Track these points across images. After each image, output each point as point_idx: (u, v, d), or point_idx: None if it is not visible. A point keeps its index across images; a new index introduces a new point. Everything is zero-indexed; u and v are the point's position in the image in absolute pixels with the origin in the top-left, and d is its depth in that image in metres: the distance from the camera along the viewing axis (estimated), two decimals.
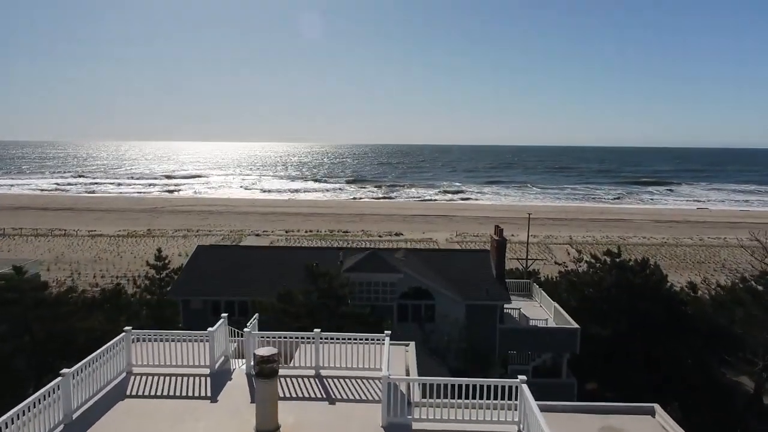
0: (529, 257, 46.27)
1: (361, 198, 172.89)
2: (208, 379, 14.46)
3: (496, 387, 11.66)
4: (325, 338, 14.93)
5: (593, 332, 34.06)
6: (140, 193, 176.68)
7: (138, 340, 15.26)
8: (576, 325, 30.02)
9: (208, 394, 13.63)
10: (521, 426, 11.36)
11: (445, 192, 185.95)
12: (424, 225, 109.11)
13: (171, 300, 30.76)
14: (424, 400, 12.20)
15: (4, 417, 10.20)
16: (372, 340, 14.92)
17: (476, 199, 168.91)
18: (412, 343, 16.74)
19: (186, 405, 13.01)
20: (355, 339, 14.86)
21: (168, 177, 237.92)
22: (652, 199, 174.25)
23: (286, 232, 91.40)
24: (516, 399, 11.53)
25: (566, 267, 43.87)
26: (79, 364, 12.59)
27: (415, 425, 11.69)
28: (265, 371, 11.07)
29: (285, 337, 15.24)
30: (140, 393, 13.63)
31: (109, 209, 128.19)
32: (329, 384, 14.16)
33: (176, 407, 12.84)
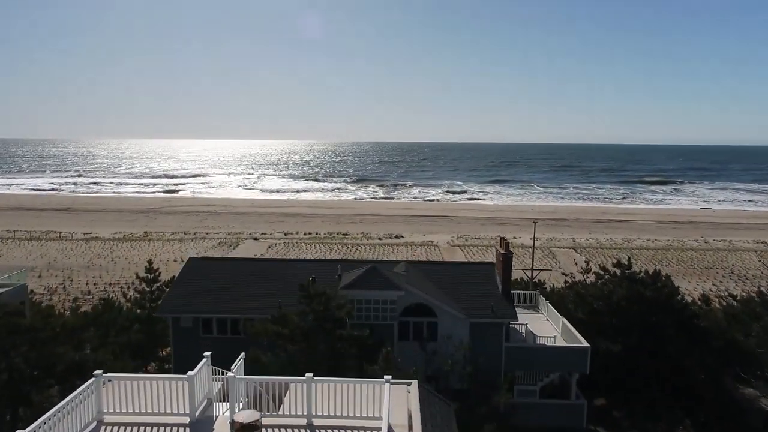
0: (534, 266, 44.72)
1: (363, 198, 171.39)
2: (188, 429, 12.97)
3: None
4: (319, 381, 13.43)
5: (603, 348, 32.64)
6: (139, 193, 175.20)
7: (110, 381, 13.76)
8: (586, 344, 28.53)
9: None
10: None
11: (448, 192, 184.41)
12: (424, 226, 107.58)
13: (159, 318, 29.28)
14: None
15: None
16: (370, 383, 13.43)
17: (479, 199, 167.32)
18: (415, 383, 15.25)
19: None
20: (352, 381, 13.38)
21: (167, 176, 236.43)
22: (655, 199, 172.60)
23: (285, 234, 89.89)
24: None
25: (573, 278, 42.33)
26: (37, 422, 11.11)
27: None
28: None
29: (274, 381, 13.74)
30: None
31: (106, 210, 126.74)
32: None
33: None
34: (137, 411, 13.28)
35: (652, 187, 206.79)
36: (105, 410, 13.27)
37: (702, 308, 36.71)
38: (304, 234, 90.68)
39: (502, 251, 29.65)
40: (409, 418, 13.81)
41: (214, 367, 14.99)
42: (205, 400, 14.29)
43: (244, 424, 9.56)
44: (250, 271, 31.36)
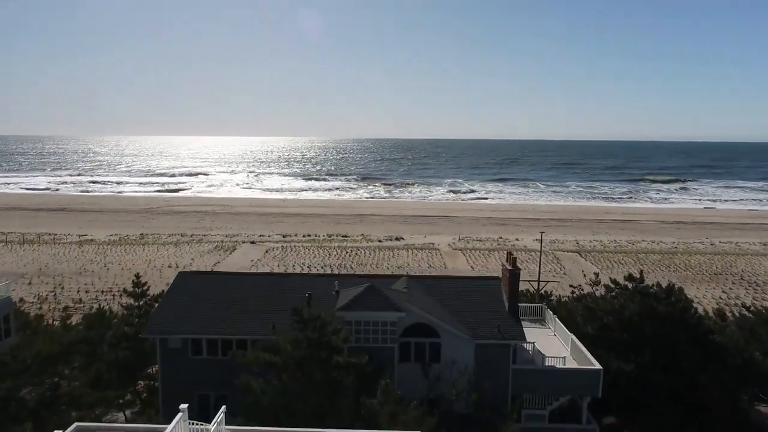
0: (539, 272, 43.06)
1: (364, 197, 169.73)
2: None
3: None
4: None
5: (614, 366, 31.06)
6: (137, 192, 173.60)
7: None
8: (598, 366, 26.89)
9: None
10: None
11: (450, 191, 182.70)
12: (425, 227, 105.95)
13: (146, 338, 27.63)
14: None
15: None
16: None
17: (482, 199, 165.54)
18: None
19: None
20: None
21: (167, 175, 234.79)
22: (658, 198, 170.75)
23: (284, 236, 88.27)
24: None
25: (581, 290, 40.75)
26: None
27: None
28: None
29: None
30: None
31: (103, 210, 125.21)
32: None
33: None
34: None
35: (656, 186, 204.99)
36: None
37: (717, 323, 35.09)
38: (303, 236, 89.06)
39: (509, 267, 27.99)
40: None
41: (191, 423, 13.37)
42: None
43: None
44: (242, 287, 29.71)
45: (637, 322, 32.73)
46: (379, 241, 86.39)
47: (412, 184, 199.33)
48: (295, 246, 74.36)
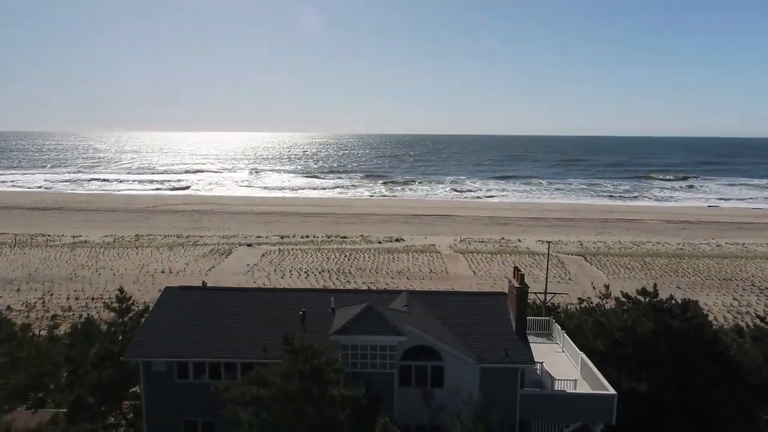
0: (546, 285, 41.27)
1: (366, 196, 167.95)
2: None
3: None
4: None
5: (626, 386, 29.35)
6: (135, 191, 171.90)
7: None
8: (612, 391, 25.11)
9: None
10: None
11: (453, 190, 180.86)
12: (426, 227, 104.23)
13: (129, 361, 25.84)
14: None
15: None
16: None
17: (490, 197, 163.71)
18: None
19: None
20: None
21: (166, 172, 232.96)
22: (662, 196, 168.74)
23: (281, 238, 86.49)
24: None
25: (590, 302, 38.93)
26: None
27: None
28: None
29: None
30: None
31: (99, 209, 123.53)
32: None
33: None
34: None
35: (660, 183, 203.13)
36: None
37: (735, 340, 33.31)
38: (301, 237, 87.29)
39: (517, 284, 26.15)
40: None
41: None
42: None
43: None
44: (233, 304, 27.91)
45: (650, 338, 31.02)
46: (379, 242, 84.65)
47: (414, 182, 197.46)
48: (292, 249, 72.53)
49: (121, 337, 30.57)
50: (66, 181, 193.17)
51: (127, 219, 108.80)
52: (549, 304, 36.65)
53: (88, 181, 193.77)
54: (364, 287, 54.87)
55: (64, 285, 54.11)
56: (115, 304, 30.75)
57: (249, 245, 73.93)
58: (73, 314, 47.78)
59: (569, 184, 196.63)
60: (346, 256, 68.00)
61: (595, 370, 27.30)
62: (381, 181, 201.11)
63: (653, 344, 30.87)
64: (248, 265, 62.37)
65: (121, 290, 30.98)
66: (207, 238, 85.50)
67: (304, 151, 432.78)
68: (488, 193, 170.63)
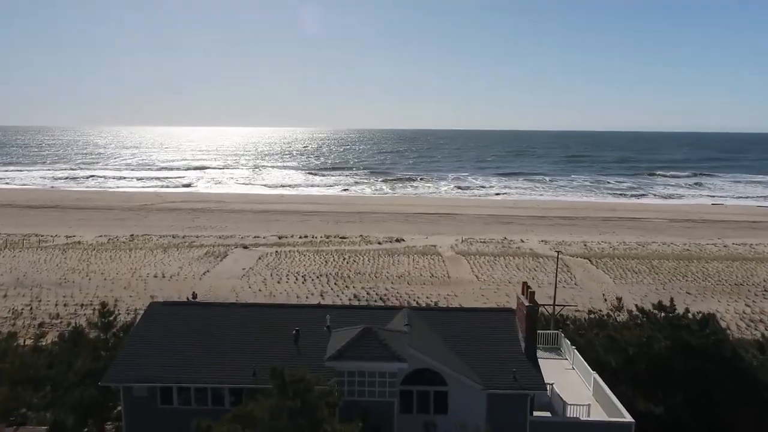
0: (554, 297, 39.38)
1: (367, 193, 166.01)
2: None
3: None
4: None
5: (642, 408, 27.59)
6: (133, 188, 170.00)
7: None
8: (629, 419, 23.32)
9: None
10: None
11: (457, 188, 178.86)
12: (427, 226, 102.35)
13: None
14: None
15: None
16: None
17: (486, 195, 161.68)
18: None
19: None
20: None
21: (165, 168, 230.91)
22: (666, 193, 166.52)
23: (279, 238, 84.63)
24: None
25: (600, 313, 37.02)
26: None
27: None
28: None
29: None
30: None
31: (96, 207, 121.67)
32: None
33: None
34: None
35: (663, 180, 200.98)
36: None
37: (756, 356, 31.45)
38: (300, 237, 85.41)
39: (526, 303, 24.26)
40: None
41: None
42: None
43: None
44: (221, 322, 26.08)
45: (666, 356, 29.23)
46: (379, 243, 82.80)
47: (415, 179, 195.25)
48: (289, 251, 70.63)
49: (104, 354, 28.85)
50: (64, 178, 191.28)
51: (123, 218, 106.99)
52: (558, 315, 34.81)
53: (87, 177, 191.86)
54: (364, 293, 53.06)
55: (52, 291, 52.30)
56: (98, 319, 28.96)
57: (245, 247, 72.06)
58: (61, 322, 46.03)
59: (572, 180, 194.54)
60: (345, 258, 66.09)
61: (610, 393, 25.50)
62: (382, 178, 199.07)
63: (669, 361, 29.12)
64: (244, 269, 60.50)
65: (103, 305, 29.16)
66: (203, 238, 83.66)
67: (305, 147, 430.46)
68: (490, 191, 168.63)
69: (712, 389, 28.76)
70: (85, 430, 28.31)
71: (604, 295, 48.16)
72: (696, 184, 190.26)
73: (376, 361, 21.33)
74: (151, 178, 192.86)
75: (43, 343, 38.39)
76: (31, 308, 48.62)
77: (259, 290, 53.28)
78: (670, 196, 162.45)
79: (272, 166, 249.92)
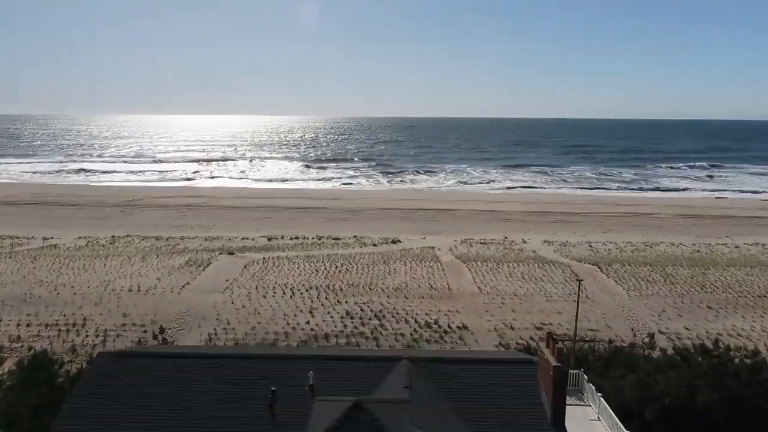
0: (575, 330, 34.89)
1: (362, 187, 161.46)
2: None
3: None
4: None
5: None
6: (120, 181, 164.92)
7: None
8: None
9: None
10: None
11: (452, 180, 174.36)
12: (424, 224, 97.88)
13: None
14: None
15: None
16: None
17: (484, 189, 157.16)
18: None
19: None
20: None
21: (155, 161, 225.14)
22: (670, 186, 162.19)
23: (269, 240, 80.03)
24: None
25: (622, 344, 32.57)
26: None
27: None
28: None
29: None
30: None
31: (80, 203, 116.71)
32: None
33: None
34: None
35: (663, 172, 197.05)
36: None
37: None
38: (290, 239, 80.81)
39: (553, 362, 19.64)
40: None
41: None
42: None
43: None
44: (184, 380, 21.44)
45: (711, 407, 24.92)
46: (374, 245, 78.33)
47: (413, 171, 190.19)
48: (278, 258, 65.82)
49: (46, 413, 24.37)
50: (51, 172, 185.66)
51: (107, 216, 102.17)
52: (578, 348, 30.38)
53: (77, 171, 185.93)
54: (357, 309, 48.63)
55: (16, 308, 47.60)
56: (32, 372, 24.39)
57: (231, 253, 67.35)
58: (22, 346, 41.46)
59: (573, 172, 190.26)
60: (337, 267, 61.47)
61: None
62: (379, 170, 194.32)
63: (714, 415, 24.82)
64: (227, 280, 55.82)
65: (41, 354, 24.54)
66: (188, 240, 78.97)
67: (302, 137, 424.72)
68: (489, 184, 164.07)
69: None
70: None
71: (633, 330, 43.30)
72: (708, 176, 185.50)
73: None
74: (142, 172, 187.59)
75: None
76: None
77: (243, 306, 48.68)
78: (673, 189, 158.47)
79: (267, 158, 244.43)
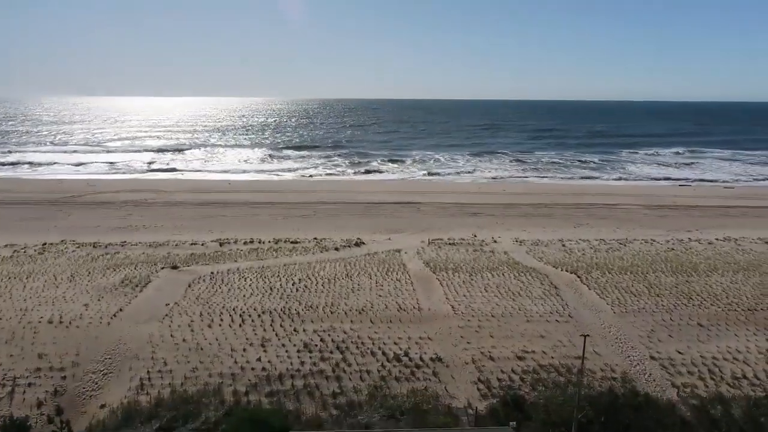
0: (578, 393, 29.82)
1: (324, 176, 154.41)
2: None
3: None
4: None
5: None
6: (63, 174, 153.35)
7: None
8: None
9: None
10: None
11: (420, 170, 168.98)
12: (388, 220, 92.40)
13: None
14: None
15: None
16: None
17: (451, 179, 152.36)
18: None
19: None
20: None
21: (104, 150, 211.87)
22: (639, 173, 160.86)
23: (220, 245, 73.07)
24: None
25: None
26: None
27: None
28: None
29: None
30: None
31: (14, 201, 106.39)
32: None
33: None
34: None
35: (627, 155, 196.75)
36: None
37: None
38: (244, 243, 74.04)
39: None
40: None
41: None
42: None
43: None
44: None
45: None
46: (336, 249, 72.38)
47: (379, 160, 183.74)
48: (228, 272, 58.87)
49: None
50: None
51: (41, 216, 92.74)
52: (582, 416, 25.32)
53: (12, 164, 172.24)
54: (317, 339, 42.71)
55: None
56: None
57: (174, 267, 60.14)
58: None
59: (541, 159, 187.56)
60: (294, 282, 55.04)
61: None
62: (344, 158, 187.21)
63: None
64: (168, 304, 48.80)
65: None
66: (129, 247, 71.22)
67: (265, 121, 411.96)
68: (458, 175, 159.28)
69: None
70: None
71: (628, 357, 38.72)
72: (675, 164, 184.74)
73: None
74: (89, 163, 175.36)
75: None
76: None
77: (183, 340, 41.99)
78: (641, 178, 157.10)
79: (229, 146, 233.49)
